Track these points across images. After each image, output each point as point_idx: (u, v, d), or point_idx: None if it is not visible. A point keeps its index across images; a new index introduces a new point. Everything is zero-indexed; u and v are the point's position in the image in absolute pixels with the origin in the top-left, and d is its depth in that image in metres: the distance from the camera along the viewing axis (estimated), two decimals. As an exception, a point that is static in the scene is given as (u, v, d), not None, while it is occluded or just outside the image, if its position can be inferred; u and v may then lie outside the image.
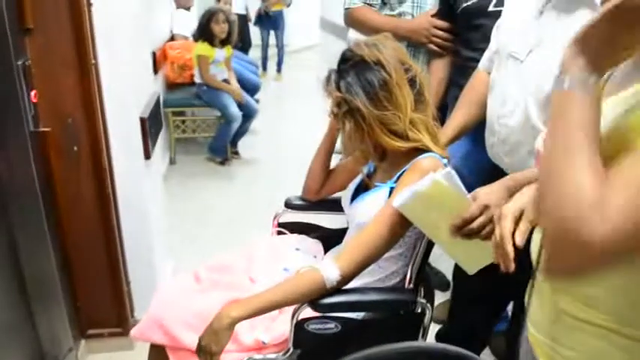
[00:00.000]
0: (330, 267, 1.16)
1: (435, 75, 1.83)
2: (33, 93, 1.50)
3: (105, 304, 1.93)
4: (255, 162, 4.08)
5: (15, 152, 1.51)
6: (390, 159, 1.34)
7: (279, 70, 7.49)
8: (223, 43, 3.78)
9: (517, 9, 1.37)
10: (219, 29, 3.70)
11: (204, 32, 3.70)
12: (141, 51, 1.78)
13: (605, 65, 0.59)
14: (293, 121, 5.47)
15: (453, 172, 1.07)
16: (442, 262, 2.47)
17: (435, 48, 1.82)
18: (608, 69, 0.60)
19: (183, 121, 4.09)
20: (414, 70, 1.27)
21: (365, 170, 1.45)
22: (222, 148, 3.92)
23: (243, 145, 4.18)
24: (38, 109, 1.54)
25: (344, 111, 1.26)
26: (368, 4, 1.89)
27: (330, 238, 1.60)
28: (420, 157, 1.26)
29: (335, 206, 1.64)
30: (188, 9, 4.60)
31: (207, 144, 4.05)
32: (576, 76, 0.59)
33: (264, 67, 7.33)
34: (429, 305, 1.25)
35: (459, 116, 1.54)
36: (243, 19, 6.36)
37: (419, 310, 1.26)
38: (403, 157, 1.28)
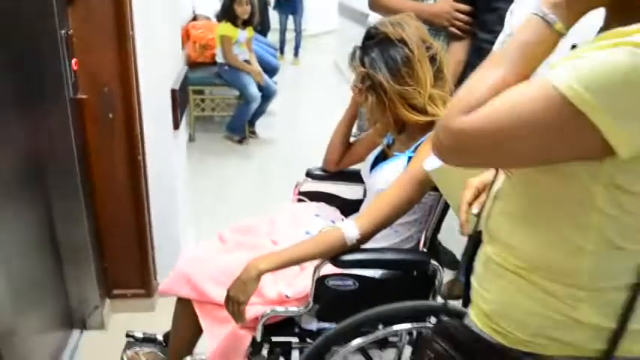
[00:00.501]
0: (350, 226, 1.26)
1: (453, 57, 1.91)
2: (74, 61, 1.61)
3: (130, 267, 2.05)
4: (272, 142, 4.18)
5: (55, 117, 1.62)
6: (408, 131, 1.44)
7: (296, 54, 7.56)
8: (245, 24, 3.87)
9: None
10: (242, 10, 3.79)
11: (228, 13, 3.80)
12: (172, 26, 1.89)
13: (572, 9, 0.70)
14: (309, 104, 5.57)
15: None
16: (452, 242, 2.56)
17: (456, 31, 1.89)
18: (574, 14, 0.70)
19: (203, 100, 4.20)
20: (434, 48, 1.36)
21: (384, 141, 1.55)
22: (241, 127, 4.02)
23: (260, 125, 4.28)
24: (78, 78, 1.65)
25: (367, 85, 1.35)
26: None
27: (348, 207, 1.70)
28: (437, 128, 1.35)
29: (353, 177, 1.74)
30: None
31: (225, 123, 4.16)
32: (544, 7, 0.71)
33: (282, 51, 7.42)
34: (440, 267, 1.35)
35: None
36: (263, 2, 6.44)
37: (431, 272, 1.35)
38: (421, 130, 1.38)
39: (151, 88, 1.79)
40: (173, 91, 1.82)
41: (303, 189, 1.79)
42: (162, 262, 2.12)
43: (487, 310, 0.82)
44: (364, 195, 1.67)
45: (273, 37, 6.94)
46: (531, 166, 0.72)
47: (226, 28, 3.81)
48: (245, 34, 3.91)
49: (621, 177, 0.66)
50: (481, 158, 0.71)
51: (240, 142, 4.05)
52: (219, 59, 3.91)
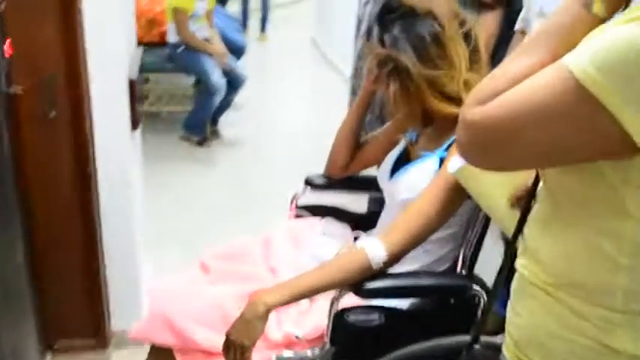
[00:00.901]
0: (375, 246, 1.31)
1: (484, 30, 1.99)
2: (7, 43, 1.63)
3: (78, 309, 2.06)
4: (240, 143, 4.23)
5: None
6: (437, 125, 1.49)
7: (263, 28, 7.63)
8: (201, -9, 3.91)
9: None
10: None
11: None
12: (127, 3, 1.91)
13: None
14: (283, 91, 5.63)
15: None
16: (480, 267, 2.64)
17: None
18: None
19: (151, 91, 4.23)
20: (469, 23, 1.42)
21: (406, 138, 1.61)
22: (201, 125, 4.06)
23: (225, 121, 4.31)
24: (12, 65, 1.67)
25: (389, 70, 1.41)
26: None
27: (361, 223, 1.75)
28: (475, 121, 1.41)
29: (366, 185, 1.79)
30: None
31: (180, 120, 4.18)
32: None
33: (244, 25, 7.46)
34: (484, 293, 1.41)
35: None
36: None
37: (471, 300, 1.41)
38: (453, 123, 1.42)
39: (104, 78, 1.81)
40: (132, 82, 1.85)
41: (302, 202, 1.83)
42: (119, 302, 2.14)
43: (517, 337, 0.88)
44: (377, 207, 1.72)
45: (231, 6, 6.98)
46: (556, 165, 0.79)
47: (180, -3, 3.85)
48: (204, 4, 3.95)
49: None
50: (499, 154, 0.78)
51: (201, 143, 4.08)
52: (172, 38, 3.94)
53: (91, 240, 1.98)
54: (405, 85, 1.39)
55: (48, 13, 1.66)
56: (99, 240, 2.00)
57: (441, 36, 1.37)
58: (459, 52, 1.39)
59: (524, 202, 0.96)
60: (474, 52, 1.42)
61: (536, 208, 0.90)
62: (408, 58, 1.37)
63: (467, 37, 1.41)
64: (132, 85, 1.85)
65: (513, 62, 0.80)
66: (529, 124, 0.73)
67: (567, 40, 0.76)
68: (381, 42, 1.41)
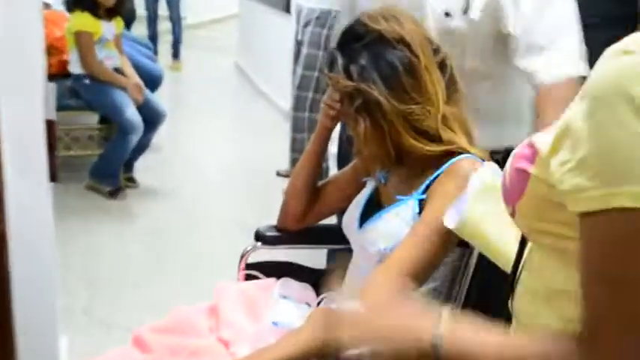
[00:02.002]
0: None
1: None
2: None
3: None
4: (162, 192, 4.22)
5: None
6: (412, 165, 1.55)
7: (176, 54, 7.68)
8: (111, 13, 3.93)
9: None
10: (106, -6, 3.86)
11: (83, -1, 3.84)
12: (33, 18, 1.89)
13: None
14: (206, 128, 5.67)
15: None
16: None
17: None
18: None
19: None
20: (443, 52, 1.50)
21: (373, 181, 1.66)
22: (113, 172, 4.03)
23: (140, 166, 4.29)
24: None
25: (357, 105, 1.46)
26: None
27: (322, 282, 1.76)
28: (456, 159, 1.48)
29: (325, 236, 1.85)
30: (49, -39, 4.72)
31: (87, 166, 4.14)
32: None
33: (155, 51, 7.49)
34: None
35: None
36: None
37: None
38: (430, 162, 1.50)
39: (16, 118, 1.80)
40: (49, 123, 1.84)
41: (252, 259, 1.85)
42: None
43: None
44: (341, 261, 1.76)
45: (136, 29, 6.98)
46: None
47: (83, 20, 3.85)
48: (112, 28, 3.97)
49: None
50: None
51: (114, 194, 4.05)
52: (75, 69, 3.93)
53: (2, 318, 1.92)
54: (377, 122, 1.45)
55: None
56: (9, 317, 1.94)
57: (415, 66, 1.43)
58: (435, 83, 1.45)
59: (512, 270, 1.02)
60: (450, 83, 1.50)
61: (526, 276, 0.96)
62: (379, 92, 1.42)
63: (442, 66, 1.48)
64: (50, 126, 1.85)
65: None
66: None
67: None
68: (347, 73, 1.46)
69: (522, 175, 0.87)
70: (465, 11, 1.68)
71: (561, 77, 1.62)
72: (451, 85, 1.51)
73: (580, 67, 1.63)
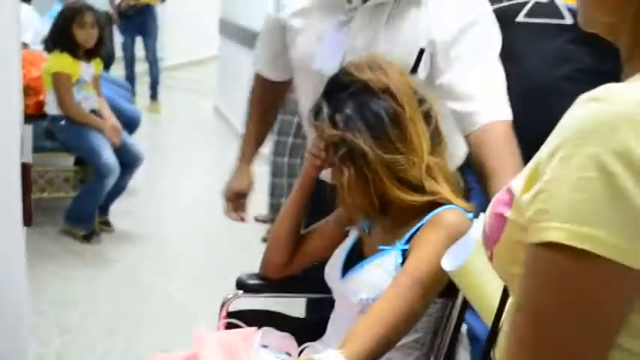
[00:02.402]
0: (335, 358, 1.34)
1: None
2: None
3: None
4: (136, 236, 4.20)
5: None
6: (395, 215, 1.57)
7: (154, 95, 7.70)
8: (90, 54, 3.95)
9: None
10: (86, 35, 3.88)
11: (63, 38, 3.87)
12: (12, 59, 1.89)
13: None
14: (184, 172, 5.67)
15: None
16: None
17: None
18: None
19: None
20: (428, 102, 1.54)
21: (357, 231, 1.68)
22: (88, 216, 4.01)
23: (115, 210, 4.27)
24: None
25: (341, 154, 1.49)
26: None
27: (303, 331, 1.77)
28: (439, 210, 1.50)
29: (308, 285, 1.85)
30: (28, 1, 4.74)
31: (60, 209, 4.11)
32: None
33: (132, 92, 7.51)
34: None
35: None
36: (105, 18, 6.58)
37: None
38: (413, 213, 1.52)
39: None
40: (25, 167, 1.84)
41: (233, 308, 1.85)
42: None
43: None
44: (320, 311, 1.76)
45: (115, 70, 7.01)
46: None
47: (62, 61, 3.87)
48: (90, 69, 3.99)
49: None
50: None
51: (88, 238, 4.02)
52: (51, 110, 3.93)
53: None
54: (362, 171, 1.47)
55: None
56: None
57: (400, 116, 1.46)
58: (420, 134, 1.48)
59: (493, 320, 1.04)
60: (435, 134, 1.53)
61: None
62: (364, 141, 1.45)
63: (427, 116, 1.52)
64: (25, 169, 1.84)
65: None
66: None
67: None
68: (332, 122, 1.49)
69: (500, 220, 0.88)
70: (414, 70, 1.71)
71: (498, 118, 1.66)
72: (436, 137, 1.54)
73: (509, 111, 1.69)
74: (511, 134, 1.64)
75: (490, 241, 0.92)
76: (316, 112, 1.54)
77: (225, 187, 2.18)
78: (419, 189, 1.49)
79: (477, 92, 1.68)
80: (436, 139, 1.53)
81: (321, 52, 1.79)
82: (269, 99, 2.19)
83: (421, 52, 1.69)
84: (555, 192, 0.74)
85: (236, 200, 2.17)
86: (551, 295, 0.75)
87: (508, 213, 0.86)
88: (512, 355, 0.80)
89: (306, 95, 1.90)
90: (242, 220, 2.19)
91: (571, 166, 0.73)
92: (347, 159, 1.48)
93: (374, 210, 1.54)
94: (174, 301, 3.38)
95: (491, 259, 0.94)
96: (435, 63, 1.72)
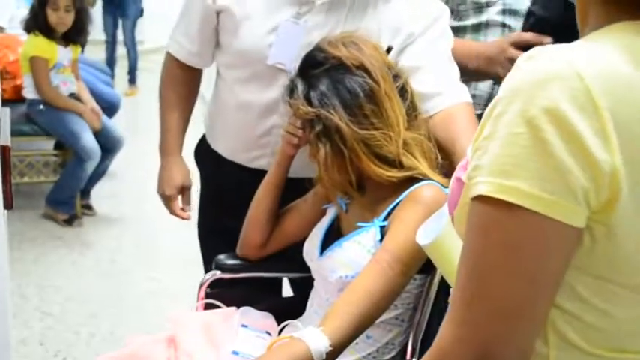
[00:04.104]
0: (316, 335, 1.31)
1: None
2: None
3: None
4: (118, 220, 4.17)
5: None
6: (372, 191, 1.54)
7: (132, 79, 7.62)
8: (67, 38, 3.88)
9: None
10: (58, 18, 3.78)
11: (38, 21, 3.79)
12: None
13: None
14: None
15: None
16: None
17: None
18: None
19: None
20: (404, 77, 1.51)
21: (336, 208, 1.65)
22: (69, 199, 3.97)
23: (97, 194, 4.24)
24: None
25: (317, 131, 1.46)
26: None
27: (282, 310, 1.76)
28: (417, 185, 1.48)
29: (285, 264, 1.82)
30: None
31: (41, 194, 4.09)
32: None
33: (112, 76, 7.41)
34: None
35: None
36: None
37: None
38: (391, 189, 1.50)
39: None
40: (4, 149, 1.79)
41: (212, 289, 1.81)
42: None
43: None
44: (301, 289, 1.73)
45: (95, 54, 6.89)
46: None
47: (38, 44, 3.80)
48: (68, 52, 3.93)
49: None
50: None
51: (70, 222, 3.99)
52: (29, 94, 3.88)
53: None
54: (338, 148, 1.44)
55: None
56: None
57: (375, 92, 1.43)
58: (396, 108, 1.46)
59: None
60: (411, 109, 1.50)
61: None
62: (339, 118, 1.42)
63: (403, 91, 1.49)
64: (4, 152, 1.80)
65: None
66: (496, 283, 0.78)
67: None
68: (307, 99, 1.46)
69: (459, 185, 0.90)
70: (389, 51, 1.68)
71: (463, 100, 1.67)
72: (412, 111, 1.51)
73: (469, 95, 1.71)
74: (474, 115, 1.65)
75: (451, 205, 0.95)
76: (291, 89, 1.51)
77: (162, 186, 2.07)
78: (396, 165, 1.46)
79: (442, 76, 1.67)
80: (412, 113, 1.51)
81: (276, 47, 1.69)
82: (190, 87, 2.02)
83: (388, 50, 1.63)
84: (488, 148, 0.77)
85: (183, 194, 2.05)
86: (483, 246, 0.78)
87: (464, 177, 0.87)
88: (454, 302, 0.82)
89: (247, 87, 1.79)
90: (189, 218, 2.09)
91: (502, 123, 0.76)
92: (323, 136, 1.45)
93: (351, 187, 1.52)
94: (156, 283, 3.37)
95: (453, 221, 0.97)
96: (401, 53, 1.68)
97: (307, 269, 1.67)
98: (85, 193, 4.14)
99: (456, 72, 1.71)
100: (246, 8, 1.70)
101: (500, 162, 0.75)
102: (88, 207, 4.17)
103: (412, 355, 1.51)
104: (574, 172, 0.72)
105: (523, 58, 0.79)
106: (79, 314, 3.08)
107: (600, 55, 0.77)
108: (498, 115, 0.77)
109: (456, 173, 0.94)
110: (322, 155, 1.46)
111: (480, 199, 0.77)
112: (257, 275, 1.83)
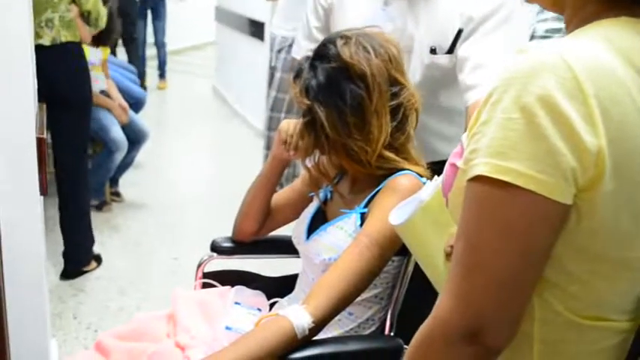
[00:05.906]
0: (299, 312, 1.30)
1: None
2: None
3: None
4: (144, 206, 4.17)
5: None
6: (353, 181, 1.55)
7: (162, 74, 7.63)
8: (98, 41, 3.87)
9: None
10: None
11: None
12: (24, 45, 1.86)
13: None
14: (184, 148, 5.64)
15: None
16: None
17: None
18: None
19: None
20: (404, 94, 1.44)
21: (321, 195, 1.63)
22: (100, 187, 3.98)
23: (124, 182, 4.24)
24: None
25: (306, 120, 1.45)
26: None
27: (273, 289, 1.75)
28: (395, 175, 1.46)
29: (278, 247, 1.81)
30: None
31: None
32: None
33: (143, 72, 7.40)
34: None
35: None
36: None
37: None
38: (372, 178, 1.49)
39: (9, 136, 1.77)
40: (40, 141, 1.81)
41: (208, 269, 1.82)
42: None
43: None
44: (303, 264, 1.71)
45: (120, 55, 6.89)
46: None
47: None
48: (99, 53, 3.92)
49: None
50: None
51: (100, 208, 4.00)
52: (63, 91, 3.86)
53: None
54: (319, 141, 1.44)
55: None
56: (3, 318, 1.89)
57: (364, 107, 1.39)
58: (382, 126, 1.41)
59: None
60: (398, 130, 1.45)
61: None
62: (325, 117, 1.40)
63: (394, 112, 1.44)
64: (40, 143, 1.82)
65: None
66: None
67: None
68: (305, 89, 1.43)
69: (453, 169, 0.91)
70: (450, 51, 1.69)
71: None
72: (397, 132, 1.46)
73: None
74: None
75: (446, 188, 0.95)
76: (298, 71, 1.47)
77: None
78: (370, 167, 1.45)
79: (485, 69, 1.66)
80: (397, 133, 1.45)
81: None
82: None
83: (459, 32, 1.65)
84: (485, 133, 0.78)
85: None
86: (479, 223, 0.79)
87: (459, 162, 0.88)
88: (451, 275, 0.82)
89: None
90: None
91: (498, 109, 0.77)
92: (309, 126, 1.45)
93: (332, 176, 1.52)
94: (177, 263, 3.36)
95: (447, 205, 0.97)
96: (463, 37, 1.69)
97: (296, 251, 1.66)
98: (114, 181, 4.14)
99: (501, 63, 1.68)
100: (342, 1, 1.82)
101: (496, 144, 0.76)
102: (117, 194, 4.17)
103: (390, 330, 1.50)
104: (564, 153, 0.74)
105: (516, 52, 0.81)
106: (108, 291, 3.09)
107: (587, 48, 0.79)
108: (494, 103, 0.78)
109: (451, 159, 0.94)
110: (305, 142, 1.47)
111: (477, 179, 0.78)
112: (249, 257, 1.84)
